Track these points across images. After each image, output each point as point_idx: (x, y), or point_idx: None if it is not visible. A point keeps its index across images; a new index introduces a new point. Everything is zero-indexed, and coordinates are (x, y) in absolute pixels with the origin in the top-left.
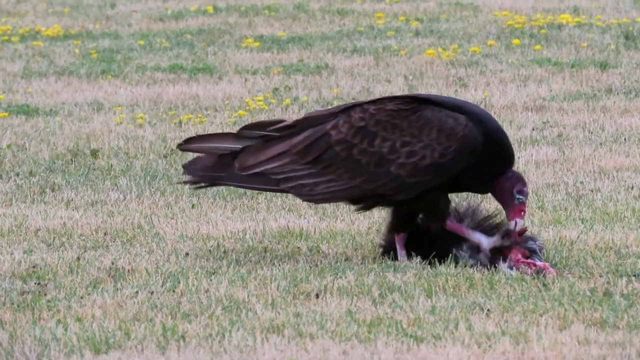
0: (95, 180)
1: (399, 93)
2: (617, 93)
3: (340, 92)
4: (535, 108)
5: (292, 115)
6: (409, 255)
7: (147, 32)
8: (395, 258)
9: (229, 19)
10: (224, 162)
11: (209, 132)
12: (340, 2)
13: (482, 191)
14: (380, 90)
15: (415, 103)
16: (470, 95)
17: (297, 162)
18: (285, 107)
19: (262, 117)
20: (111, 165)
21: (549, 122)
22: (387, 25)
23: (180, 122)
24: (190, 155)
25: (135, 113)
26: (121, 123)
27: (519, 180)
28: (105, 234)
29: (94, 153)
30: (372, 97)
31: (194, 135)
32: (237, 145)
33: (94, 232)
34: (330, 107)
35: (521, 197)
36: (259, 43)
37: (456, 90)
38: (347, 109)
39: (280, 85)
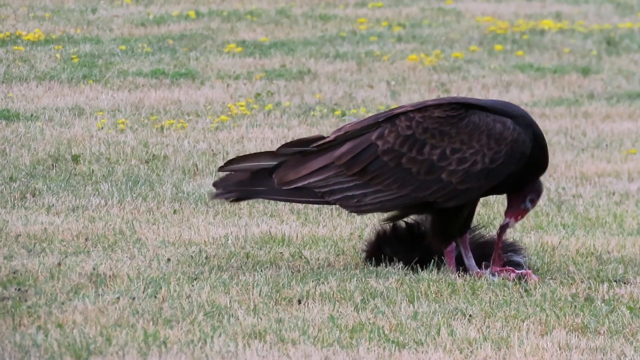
0: (77, 186)
1: (382, 98)
2: (599, 99)
3: (322, 97)
4: None
5: (275, 120)
6: (391, 261)
7: (128, 37)
8: (378, 264)
9: (211, 24)
10: (260, 177)
11: (247, 153)
12: (323, 8)
13: (510, 192)
14: (363, 96)
15: (462, 109)
16: None
17: (343, 174)
18: (268, 113)
19: (244, 122)
20: (92, 171)
21: None
22: (369, 31)
23: (162, 128)
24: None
25: (116, 118)
26: (102, 128)
27: (538, 191)
28: (86, 239)
29: (75, 158)
30: (403, 104)
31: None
32: (275, 163)
33: (75, 238)
34: (363, 117)
35: (529, 205)
36: (241, 48)
37: (438, 96)
38: (391, 118)
39: (263, 91)
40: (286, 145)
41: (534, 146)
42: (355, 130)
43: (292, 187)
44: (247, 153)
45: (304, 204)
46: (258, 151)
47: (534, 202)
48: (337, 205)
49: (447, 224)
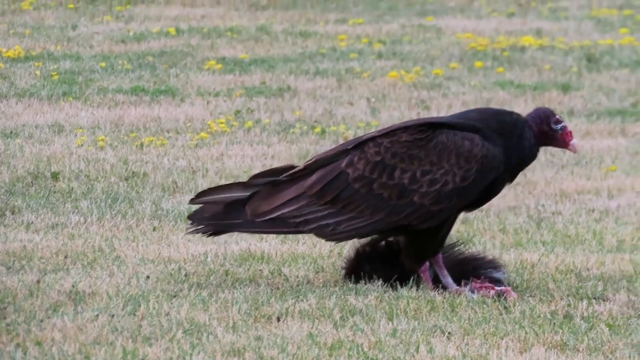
0: (56, 203)
1: (362, 115)
2: (579, 115)
3: (302, 114)
4: None
5: (254, 137)
6: (370, 278)
7: (108, 54)
8: (357, 281)
9: (191, 41)
10: (233, 209)
11: (217, 185)
12: (303, 24)
13: (533, 158)
14: (343, 113)
15: (430, 130)
16: None
17: (315, 203)
18: (248, 130)
19: (224, 140)
20: (72, 188)
21: None
22: (349, 48)
23: (142, 145)
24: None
25: (96, 135)
26: (82, 145)
27: (541, 116)
28: (65, 256)
29: (55, 176)
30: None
31: (202, 189)
32: (247, 194)
33: (54, 255)
34: (334, 145)
35: (557, 125)
36: (221, 65)
37: (418, 113)
38: (360, 145)
39: (243, 108)
40: (257, 175)
41: (505, 138)
42: (325, 158)
43: (265, 218)
44: (218, 185)
45: (278, 235)
46: (230, 182)
47: (557, 122)
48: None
49: (422, 246)
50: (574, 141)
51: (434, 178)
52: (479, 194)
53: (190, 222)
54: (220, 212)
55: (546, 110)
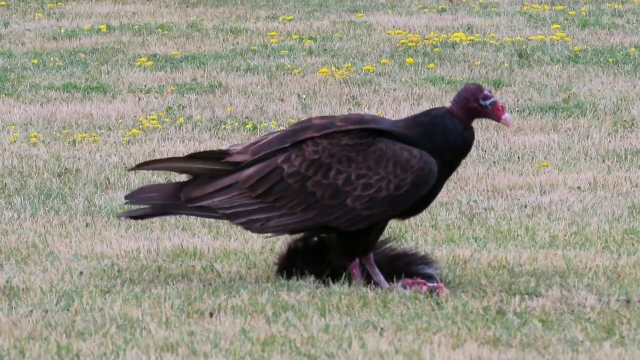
0: None
1: (293, 111)
2: (511, 111)
3: (233, 110)
4: None
5: (186, 134)
6: (302, 274)
7: (40, 51)
8: (289, 277)
9: (123, 38)
10: (170, 192)
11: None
12: (234, 21)
13: (469, 143)
14: (274, 109)
15: (370, 137)
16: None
17: (247, 195)
18: (179, 126)
19: (156, 136)
20: (5, 184)
21: None
22: (280, 44)
23: (74, 141)
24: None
25: (29, 132)
26: (15, 142)
27: (467, 96)
28: None
29: None
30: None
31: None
32: (188, 165)
33: None
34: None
35: (486, 101)
36: (152, 62)
37: (349, 109)
38: (298, 143)
39: (174, 104)
40: (195, 155)
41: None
42: (264, 156)
43: (196, 204)
44: (160, 158)
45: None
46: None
47: (485, 97)
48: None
49: (352, 244)
50: (506, 115)
51: (368, 183)
52: (412, 205)
53: (127, 201)
54: (158, 197)
55: (472, 87)
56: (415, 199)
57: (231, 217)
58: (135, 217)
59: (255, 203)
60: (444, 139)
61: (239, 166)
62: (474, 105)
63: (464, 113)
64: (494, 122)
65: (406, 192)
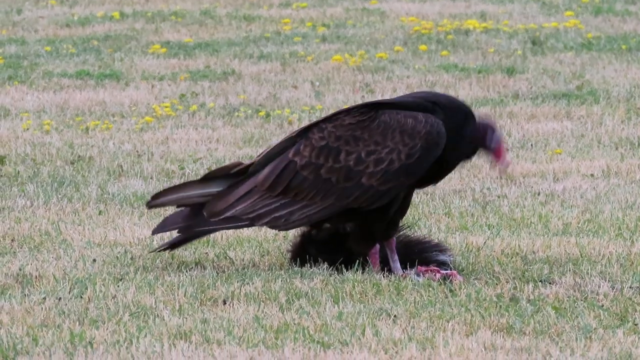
0: (2, 187)
1: (306, 99)
2: (524, 99)
3: (247, 98)
4: None
5: (199, 121)
6: (316, 261)
7: (53, 38)
8: (302, 265)
9: (136, 25)
10: (193, 215)
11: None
12: (247, 8)
13: (469, 157)
14: (287, 97)
15: (372, 111)
16: None
17: (268, 196)
18: (192, 114)
19: (169, 123)
20: (18, 172)
21: None
22: (293, 31)
23: (87, 129)
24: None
25: (42, 119)
26: (28, 129)
27: (487, 127)
28: (12, 240)
29: (1, 160)
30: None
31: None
32: (205, 190)
33: (1, 239)
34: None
35: (492, 143)
36: (165, 49)
37: (363, 96)
38: (304, 132)
39: (187, 92)
40: (210, 174)
41: (448, 123)
42: (274, 151)
43: (221, 217)
44: (172, 185)
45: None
46: (184, 182)
47: (494, 136)
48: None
49: (373, 229)
50: (505, 162)
51: (379, 157)
52: (427, 170)
53: (154, 235)
54: (181, 220)
55: (488, 122)
56: (429, 163)
57: (255, 220)
58: (169, 248)
59: (277, 201)
60: (461, 123)
61: (249, 170)
62: (483, 136)
63: (476, 135)
64: (507, 109)
65: (418, 158)
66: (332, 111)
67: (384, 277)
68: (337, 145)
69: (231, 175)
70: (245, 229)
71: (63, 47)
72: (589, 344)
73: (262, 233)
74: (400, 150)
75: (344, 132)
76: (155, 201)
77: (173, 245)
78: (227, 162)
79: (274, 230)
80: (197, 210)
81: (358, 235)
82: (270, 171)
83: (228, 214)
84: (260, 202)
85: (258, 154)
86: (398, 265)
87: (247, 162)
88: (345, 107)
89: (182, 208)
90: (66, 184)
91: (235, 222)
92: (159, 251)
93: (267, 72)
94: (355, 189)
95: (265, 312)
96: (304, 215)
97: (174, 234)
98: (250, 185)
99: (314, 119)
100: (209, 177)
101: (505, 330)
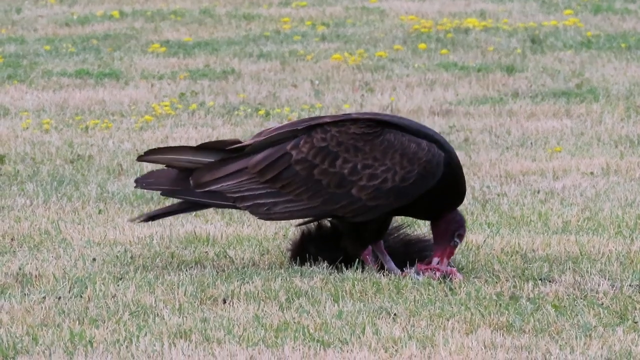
0: (2, 186)
1: (306, 97)
2: (524, 97)
3: (246, 97)
4: (441, 112)
5: (199, 120)
6: (315, 260)
7: (53, 37)
8: (302, 263)
9: (135, 24)
10: (179, 178)
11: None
12: (247, 7)
13: (425, 219)
14: (287, 96)
15: (379, 127)
16: (377, 100)
17: (256, 180)
18: (192, 113)
19: (169, 122)
20: (17, 171)
21: (455, 126)
22: (293, 30)
23: (86, 128)
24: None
25: (41, 118)
26: (27, 128)
27: (462, 224)
28: (12, 239)
29: (1, 159)
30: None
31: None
32: (197, 158)
33: (0, 238)
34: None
35: (458, 241)
36: (165, 48)
37: (362, 95)
38: (308, 129)
39: (187, 91)
40: (205, 145)
41: (449, 172)
42: (275, 138)
43: (206, 189)
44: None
45: (216, 208)
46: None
47: (461, 237)
48: (247, 212)
49: (360, 233)
50: (446, 262)
51: (374, 173)
52: (416, 199)
53: (136, 185)
54: (167, 182)
55: (464, 220)
56: (422, 191)
57: (237, 200)
58: (147, 220)
59: (263, 188)
60: (456, 174)
61: (243, 151)
62: (448, 228)
63: (446, 220)
64: (506, 108)
65: (412, 183)
66: (331, 110)
67: (383, 275)
68: (336, 151)
69: (226, 151)
70: (245, 227)
71: (62, 46)
72: (589, 342)
73: (262, 232)
74: (396, 171)
75: (346, 140)
76: (146, 157)
77: (152, 217)
78: None
79: (254, 216)
80: (185, 176)
81: (349, 238)
82: (264, 157)
83: (213, 187)
84: (247, 184)
85: (257, 132)
86: (392, 265)
87: (246, 141)
88: (355, 113)
89: (170, 168)
90: (66, 183)
91: (219, 198)
92: (139, 222)
93: (267, 71)
94: (344, 197)
95: (265, 311)
96: (287, 209)
97: (154, 206)
98: (242, 165)
99: None
100: (204, 147)
101: (505, 329)
